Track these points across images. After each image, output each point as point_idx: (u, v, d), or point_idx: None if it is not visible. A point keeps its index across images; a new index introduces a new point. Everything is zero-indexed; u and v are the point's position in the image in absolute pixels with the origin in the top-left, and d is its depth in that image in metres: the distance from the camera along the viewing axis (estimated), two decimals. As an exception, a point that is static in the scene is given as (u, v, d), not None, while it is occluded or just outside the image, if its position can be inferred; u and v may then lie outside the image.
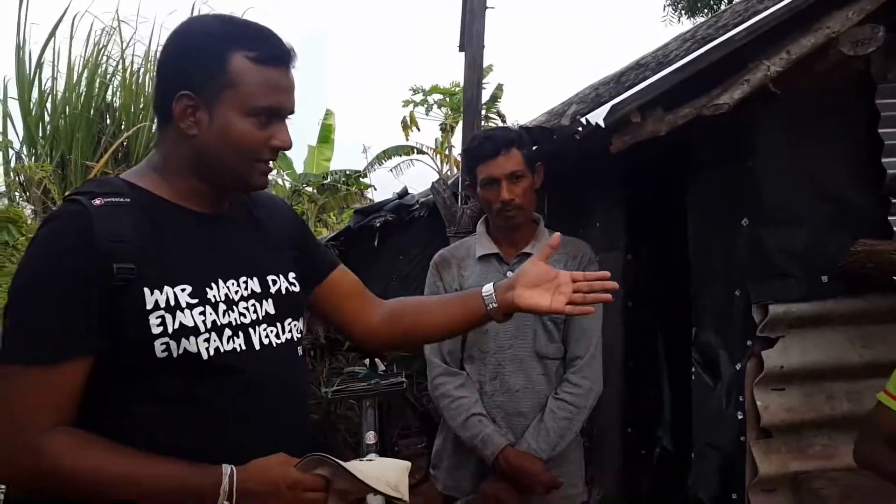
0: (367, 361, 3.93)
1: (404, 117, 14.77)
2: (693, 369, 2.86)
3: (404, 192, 5.74)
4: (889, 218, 2.52)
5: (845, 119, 2.54)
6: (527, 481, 2.01)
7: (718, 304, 2.72)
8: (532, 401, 2.12)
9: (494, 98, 12.75)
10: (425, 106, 14.23)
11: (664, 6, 11.58)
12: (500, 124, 11.86)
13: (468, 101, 4.32)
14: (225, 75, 1.19)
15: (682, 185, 2.97)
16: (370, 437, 3.33)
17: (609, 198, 3.72)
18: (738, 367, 2.57)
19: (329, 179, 13.72)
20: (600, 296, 1.42)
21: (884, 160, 2.50)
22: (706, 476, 2.66)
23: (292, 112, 1.27)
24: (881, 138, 2.51)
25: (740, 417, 2.54)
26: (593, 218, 3.92)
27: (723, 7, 9.95)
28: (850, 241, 2.49)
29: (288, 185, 14.11)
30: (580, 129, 2.14)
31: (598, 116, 2.00)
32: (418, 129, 14.62)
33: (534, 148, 2.31)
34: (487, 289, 1.47)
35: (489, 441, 2.06)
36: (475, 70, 4.41)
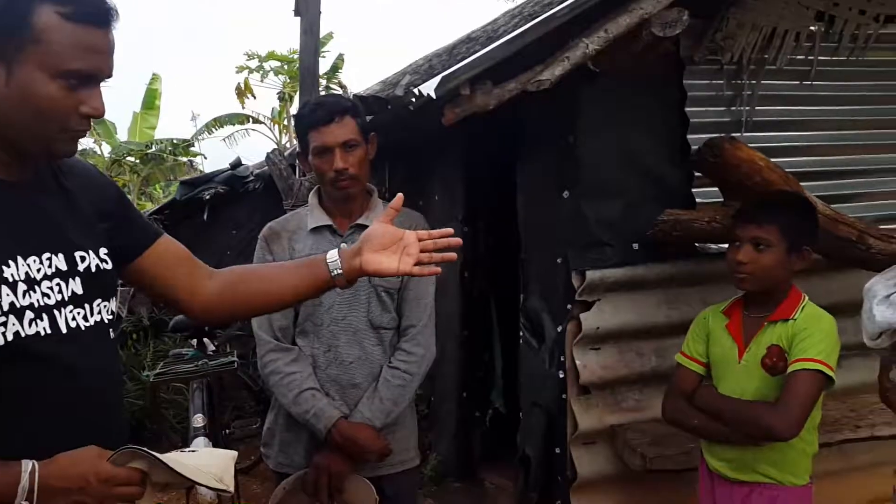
0: (194, 342, 3.72)
1: (238, 84, 13.99)
2: (521, 334, 3.01)
3: (237, 163, 5.48)
4: (693, 190, 2.78)
5: (658, 99, 2.75)
6: (359, 450, 2.01)
7: (543, 272, 2.87)
8: (366, 371, 2.11)
9: (335, 68, 12.44)
10: (261, 73, 13.58)
11: None
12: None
13: (305, 69, 4.20)
14: (28, 29, 1.05)
15: (514, 160, 3.08)
16: (198, 421, 3.17)
17: (448, 171, 3.80)
18: (559, 329, 2.74)
19: (154, 149, 12.74)
20: (446, 254, 1.43)
21: (689, 137, 2.74)
22: (532, 433, 2.82)
23: (109, 76, 1.14)
24: (688, 117, 2.75)
25: (562, 376, 2.72)
26: (433, 190, 3.98)
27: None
28: (659, 212, 2.72)
29: (107, 154, 12.96)
30: (413, 99, 2.14)
31: (430, 88, 2.01)
32: (254, 97, 13.94)
33: (368, 118, 2.27)
34: (332, 255, 1.43)
35: (322, 414, 2.02)
36: (312, 37, 4.28)
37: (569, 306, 2.72)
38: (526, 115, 2.94)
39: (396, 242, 1.41)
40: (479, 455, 3.88)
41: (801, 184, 2.58)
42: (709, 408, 2.00)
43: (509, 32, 2.34)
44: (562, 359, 2.73)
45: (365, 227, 2.11)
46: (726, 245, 2.15)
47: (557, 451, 2.78)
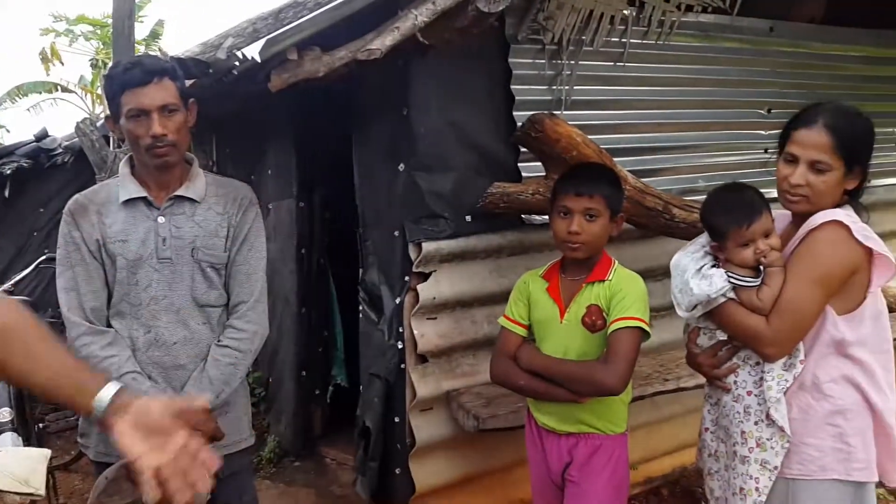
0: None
1: (44, 49, 12.57)
2: (360, 307, 3.01)
3: (43, 134, 4.94)
4: (519, 164, 2.91)
5: (486, 75, 2.84)
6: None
7: (380, 245, 2.88)
8: (193, 352, 2.00)
9: (155, 34, 11.51)
10: (70, 37, 12.28)
11: None
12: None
13: (118, 33, 3.83)
14: None
15: (350, 135, 3.05)
16: (3, 415, 2.85)
17: (282, 145, 3.68)
18: (397, 301, 2.77)
19: (-55, 119, 11.18)
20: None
21: (515, 113, 2.86)
22: (371, 404, 2.84)
23: None
24: (513, 94, 2.87)
25: (400, 347, 2.76)
26: (266, 165, 3.85)
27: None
28: (489, 185, 2.82)
29: None
30: (237, 63, 2.03)
31: (255, 51, 1.92)
32: (62, 64, 12.59)
33: (188, 83, 2.13)
34: (104, 395, 1.15)
35: None
36: (126, -1, 3.93)
37: (406, 278, 2.76)
38: (360, 86, 2.91)
39: (163, 436, 1.12)
40: (321, 432, 3.85)
41: (615, 159, 2.79)
42: (538, 369, 2.10)
43: (338, -1, 2.30)
44: (400, 330, 2.77)
45: (185, 199, 1.99)
46: (548, 216, 2.25)
47: (396, 419, 2.83)
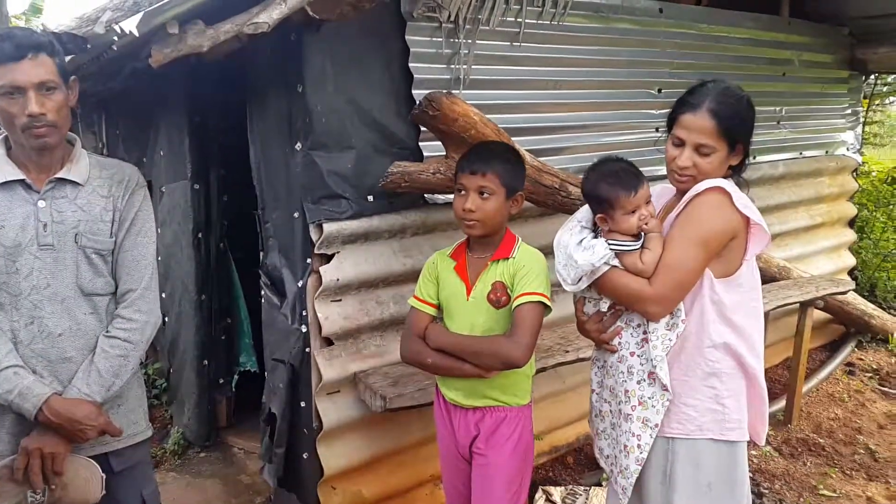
0: None
1: None
2: (262, 292, 2.94)
3: None
4: (420, 144, 2.90)
5: (383, 53, 2.80)
6: (78, 428, 1.82)
7: (281, 227, 2.82)
8: (80, 343, 1.90)
9: (36, 9, 10.61)
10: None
11: None
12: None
13: (-12, 4, 3.56)
14: None
15: (245, 114, 2.95)
16: None
17: (174, 125, 3.52)
18: (300, 284, 2.72)
19: None
20: None
21: (414, 92, 2.84)
22: (277, 390, 2.79)
23: None
24: (412, 72, 2.85)
25: (304, 331, 2.71)
26: (159, 145, 3.68)
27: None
28: (389, 164, 2.80)
29: None
30: (116, 38, 1.92)
31: (133, 25, 1.81)
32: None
33: (67, 59, 1.99)
34: None
35: (29, 393, 1.79)
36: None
37: (308, 260, 2.71)
38: (253, 62, 2.82)
39: None
40: (227, 422, 3.76)
41: (513, 138, 2.84)
42: (446, 346, 2.13)
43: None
44: (304, 313, 2.72)
45: (66, 182, 1.88)
46: (451, 195, 2.27)
47: (303, 404, 2.79)
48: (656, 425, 1.90)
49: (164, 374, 3.92)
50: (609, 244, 1.89)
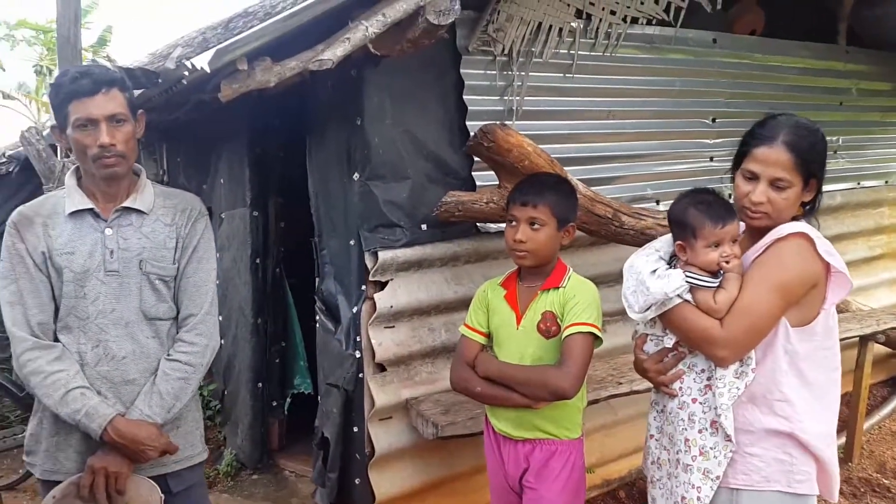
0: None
1: (-19, 55, 12.12)
2: (317, 317, 3.00)
3: (-14, 144, 4.79)
4: (473, 173, 2.95)
5: (439, 86, 2.88)
6: (139, 449, 1.88)
7: (337, 254, 2.88)
8: (142, 366, 1.96)
9: (103, 41, 11.14)
10: (11, 42, 11.82)
11: None
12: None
13: (63, 40, 3.76)
14: None
15: (305, 143, 3.05)
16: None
17: (235, 154, 3.65)
18: (354, 310, 2.77)
19: None
20: None
21: (468, 123, 2.90)
22: (330, 415, 2.83)
23: None
24: (466, 104, 2.91)
25: (358, 356, 2.76)
26: (219, 173, 3.81)
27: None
28: (443, 194, 2.85)
29: None
30: (186, 73, 2.02)
31: (204, 61, 1.91)
32: (2, 70, 12.11)
33: (137, 93, 2.10)
34: None
35: (95, 413, 1.86)
36: (70, 4, 3.86)
37: (363, 287, 2.77)
38: (313, 96, 2.92)
39: None
40: (279, 444, 3.81)
41: (566, 168, 2.85)
42: (494, 375, 2.13)
43: (288, 9, 2.30)
44: (358, 339, 2.77)
45: (132, 210, 1.97)
46: (503, 224, 2.29)
47: (355, 429, 2.83)
48: (718, 477, 1.81)
49: (218, 396, 4.01)
50: (686, 276, 1.82)
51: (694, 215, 1.84)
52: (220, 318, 3.66)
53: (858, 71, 4.45)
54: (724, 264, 1.81)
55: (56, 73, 4.47)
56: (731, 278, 1.80)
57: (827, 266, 1.77)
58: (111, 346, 1.93)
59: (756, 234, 1.86)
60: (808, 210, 1.88)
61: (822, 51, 4.22)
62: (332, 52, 2.05)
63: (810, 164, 1.79)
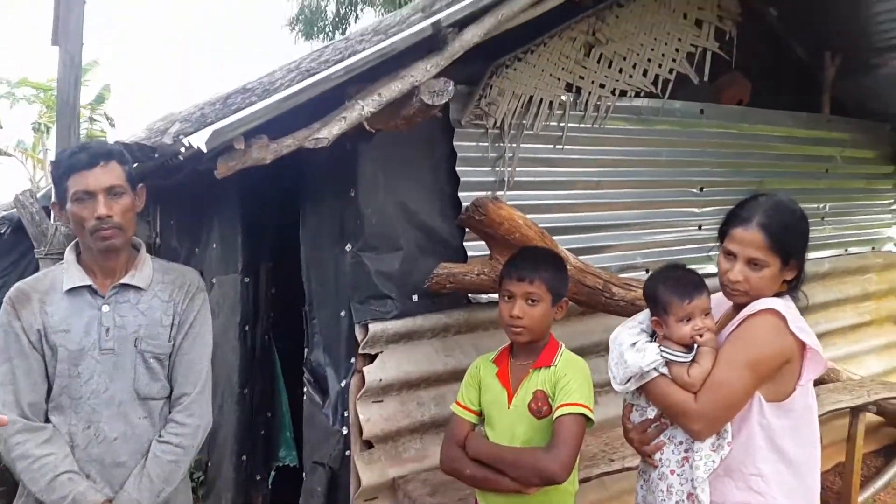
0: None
1: (-19, 112, 12.25)
2: (304, 389, 2.95)
3: (-22, 203, 4.77)
4: (464, 243, 2.95)
5: (431, 158, 2.91)
6: None
7: (327, 325, 2.86)
8: (133, 448, 1.92)
9: (101, 99, 11.32)
10: (11, 99, 11.97)
11: (283, 26, 11.84)
12: (109, 127, 10.61)
13: (63, 103, 3.80)
14: None
15: (297, 210, 3.05)
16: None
17: (228, 219, 3.64)
18: (343, 383, 2.73)
19: None
20: None
21: (460, 194, 2.92)
22: (315, 493, 2.76)
23: None
24: (458, 175, 2.93)
25: (345, 432, 2.70)
26: (211, 239, 3.79)
27: (338, 36, 10.61)
28: (435, 265, 2.85)
29: None
30: (183, 149, 2.03)
31: (201, 140, 1.92)
32: (1, 127, 12.23)
33: (135, 165, 2.11)
34: None
35: (83, 499, 1.80)
36: (72, 69, 3.91)
37: (352, 360, 2.73)
38: (308, 166, 2.93)
39: None
40: (262, 519, 3.69)
41: (556, 237, 2.87)
42: (484, 457, 2.08)
43: (286, 87, 2.33)
44: (345, 414, 2.72)
45: (130, 287, 1.95)
46: (495, 295, 2.29)
47: (341, 508, 2.75)
48: None
49: (202, 468, 3.90)
50: (661, 350, 1.86)
51: (663, 291, 1.91)
52: (207, 387, 3.63)
53: (842, 139, 4.55)
54: (697, 338, 1.86)
55: (54, 130, 4.50)
56: (705, 352, 1.85)
57: (802, 343, 1.81)
58: (103, 427, 1.89)
59: (741, 308, 1.89)
60: (792, 287, 1.91)
61: (807, 120, 4.32)
62: (329, 131, 2.07)
63: (786, 244, 1.84)
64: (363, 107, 2.12)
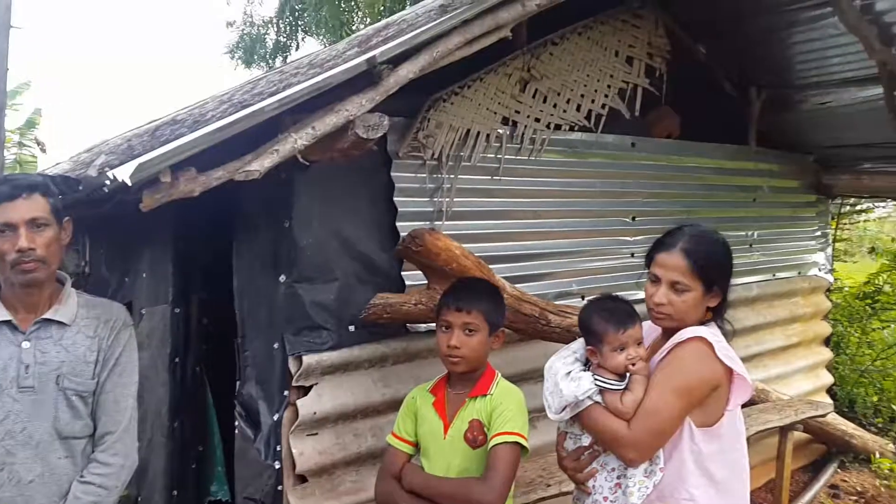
0: None
1: None
2: (236, 423, 2.88)
3: None
4: (402, 273, 2.95)
5: (369, 188, 2.91)
6: None
7: (260, 357, 2.80)
8: (50, 490, 1.84)
9: (31, 123, 10.87)
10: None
11: (223, 54, 11.75)
12: (40, 153, 10.25)
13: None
14: None
15: (230, 240, 3.00)
16: None
17: (158, 248, 3.56)
18: (275, 417, 2.68)
19: None
20: None
21: (398, 224, 2.93)
22: (247, 531, 2.68)
23: None
24: (396, 206, 2.94)
25: (278, 467, 2.64)
26: (142, 268, 3.69)
27: (278, 63, 10.56)
28: (372, 295, 2.84)
29: None
30: (108, 182, 1.98)
31: (126, 173, 1.87)
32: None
33: (60, 197, 2.05)
34: None
35: None
36: (-2, 94, 3.78)
37: (285, 392, 2.68)
38: (242, 196, 2.89)
39: None
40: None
41: (494, 266, 2.90)
42: (420, 488, 2.08)
43: (217, 118, 2.31)
44: (278, 448, 2.66)
45: (53, 322, 1.89)
46: (433, 324, 2.29)
47: (274, 546, 2.68)
48: None
49: (131, 503, 3.76)
50: (595, 379, 1.90)
51: (598, 322, 1.96)
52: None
53: (769, 170, 4.76)
54: (630, 367, 1.91)
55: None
56: (638, 380, 1.90)
57: (729, 370, 1.88)
58: (18, 470, 1.82)
59: (669, 334, 1.96)
60: (716, 314, 1.99)
61: (735, 152, 4.50)
62: (260, 163, 2.05)
63: (708, 270, 1.92)
64: (296, 140, 2.12)
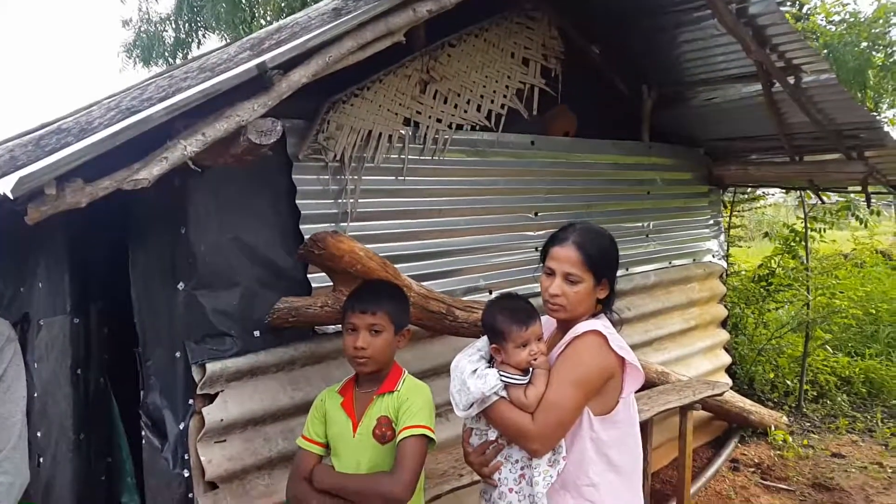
0: None
1: None
2: (143, 433, 2.83)
3: None
4: (308, 275, 2.97)
5: (270, 192, 2.90)
6: None
7: (162, 367, 2.76)
8: None
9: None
10: None
11: (119, 53, 11.30)
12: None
13: None
14: None
15: (127, 248, 2.93)
16: None
17: (53, 257, 3.42)
18: (182, 426, 2.65)
19: None
20: None
21: (302, 227, 2.94)
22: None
23: None
24: (299, 209, 2.95)
25: (187, 475, 2.62)
26: (38, 277, 3.54)
27: (178, 60, 10.23)
28: (277, 298, 2.84)
29: None
30: (-12, 195, 1.91)
31: (7, 187, 1.81)
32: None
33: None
34: None
35: None
36: None
37: (190, 401, 2.66)
38: (134, 203, 2.83)
39: None
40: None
41: (401, 265, 2.95)
42: (329, 486, 2.12)
43: (105, 126, 2.26)
44: (186, 457, 2.64)
45: None
46: (341, 325, 2.32)
47: (183, 555, 2.65)
48: None
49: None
50: (500, 375, 1.99)
51: (501, 321, 2.04)
52: (39, 435, 3.37)
53: (662, 163, 5.02)
54: (533, 362, 2.01)
55: None
56: (540, 374, 2.00)
57: (622, 360, 2.00)
58: None
59: (564, 328, 2.08)
60: (605, 305, 2.12)
61: (629, 147, 4.73)
62: (149, 171, 2.02)
63: (597, 263, 2.05)
64: (186, 146, 2.09)
